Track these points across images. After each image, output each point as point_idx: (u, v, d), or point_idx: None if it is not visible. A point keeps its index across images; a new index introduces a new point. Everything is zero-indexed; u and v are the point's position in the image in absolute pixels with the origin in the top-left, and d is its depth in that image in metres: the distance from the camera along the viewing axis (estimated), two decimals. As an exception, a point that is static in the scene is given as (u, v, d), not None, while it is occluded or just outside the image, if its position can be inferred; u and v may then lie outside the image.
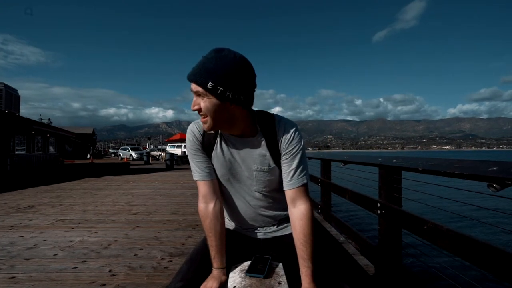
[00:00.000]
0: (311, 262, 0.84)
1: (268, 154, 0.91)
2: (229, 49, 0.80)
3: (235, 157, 0.92)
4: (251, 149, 0.91)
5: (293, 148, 0.89)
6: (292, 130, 0.90)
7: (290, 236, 0.91)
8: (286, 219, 1.00)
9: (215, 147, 0.93)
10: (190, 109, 0.95)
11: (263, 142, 0.90)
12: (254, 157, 0.91)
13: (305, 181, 0.90)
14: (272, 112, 0.95)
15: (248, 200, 0.96)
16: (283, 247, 0.98)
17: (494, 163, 1.06)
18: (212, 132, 0.91)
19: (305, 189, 0.90)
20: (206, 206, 0.92)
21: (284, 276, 0.87)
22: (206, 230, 0.91)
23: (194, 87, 0.80)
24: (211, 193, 0.93)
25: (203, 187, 0.93)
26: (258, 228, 1.01)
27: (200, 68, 0.79)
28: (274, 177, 0.93)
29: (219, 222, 0.92)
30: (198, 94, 0.80)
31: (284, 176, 0.91)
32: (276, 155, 0.91)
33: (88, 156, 24.31)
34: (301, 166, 0.90)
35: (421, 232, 1.44)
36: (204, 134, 0.94)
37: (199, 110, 0.82)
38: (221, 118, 0.83)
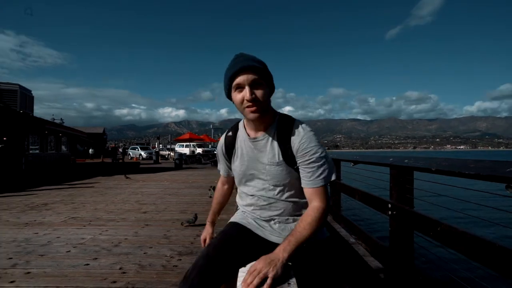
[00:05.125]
0: (296, 243, 0.86)
1: (278, 149, 0.98)
2: None
3: (250, 155, 1.03)
4: (264, 146, 1.00)
5: (309, 153, 0.93)
6: (308, 136, 0.95)
7: None
8: None
9: (234, 149, 1.09)
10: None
11: (276, 140, 0.98)
12: (266, 152, 1.00)
13: (322, 183, 0.94)
14: (294, 117, 1.03)
15: (265, 194, 1.03)
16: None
17: (513, 163, 1.02)
18: (231, 135, 1.10)
19: (322, 190, 0.94)
20: (222, 186, 1.31)
21: (294, 276, 0.86)
22: (215, 197, 1.33)
23: (249, 74, 0.89)
24: (226, 182, 1.29)
25: (222, 178, 1.28)
26: (273, 227, 1.03)
27: (251, 58, 0.91)
28: (285, 171, 0.98)
29: (225, 196, 1.32)
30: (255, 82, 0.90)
31: (302, 175, 0.96)
32: (286, 153, 0.96)
33: (91, 151, 24.49)
34: (321, 169, 0.94)
35: (435, 234, 1.40)
36: (226, 142, 1.13)
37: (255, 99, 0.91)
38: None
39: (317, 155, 0.93)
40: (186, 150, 22.66)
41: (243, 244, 0.97)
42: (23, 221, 3.45)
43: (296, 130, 0.97)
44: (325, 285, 0.86)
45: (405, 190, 1.82)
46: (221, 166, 1.23)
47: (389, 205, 1.89)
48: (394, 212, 1.84)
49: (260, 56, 0.96)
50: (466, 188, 1.40)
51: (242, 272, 0.89)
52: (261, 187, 1.03)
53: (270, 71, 0.96)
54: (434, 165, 1.43)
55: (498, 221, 1.40)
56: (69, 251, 2.40)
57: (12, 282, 1.82)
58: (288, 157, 0.96)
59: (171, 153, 25.45)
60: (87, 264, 2.11)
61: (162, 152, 26.69)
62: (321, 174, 0.93)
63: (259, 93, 0.90)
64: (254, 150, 1.02)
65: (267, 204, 1.03)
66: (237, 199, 1.19)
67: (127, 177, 8.65)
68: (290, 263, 0.94)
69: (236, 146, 1.08)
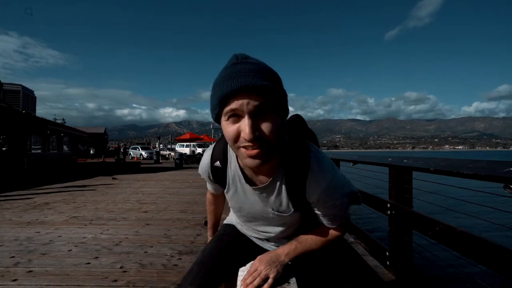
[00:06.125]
0: (301, 252, 0.83)
1: (287, 200, 0.79)
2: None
3: (250, 198, 0.83)
4: (268, 196, 0.80)
5: (333, 204, 0.77)
6: (330, 185, 0.74)
7: None
8: None
9: (226, 183, 0.85)
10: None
11: (285, 190, 0.77)
12: (271, 201, 0.80)
13: (344, 221, 0.83)
14: (309, 146, 0.77)
15: (265, 230, 0.93)
16: None
17: (511, 163, 1.03)
18: (219, 165, 0.84)
19: (344, 225, 0.85)
20: (213, 196, 1.10)
21: (294, 275, 0.87)
22: (208, 210, 1.16)
23: (252, 99, 0.59)
24: (216, 195, 1.09)
25: (211, 192, 1.09)
26: (270, 242, 0.99)
27: (256, 70, 0.60)
28: (295, 217, 0.85)
29: (219, 204, 1.14)
30: (259, 110, 0.60)
31: (321, 217, 0.82)
32: (299, 203, 0.79)
33: (92, 151, 24.74)
34: (346, 211, 0.82)
35: (433, 234, 1.41)
36: (212, 172, 0.87)
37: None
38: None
39: (342, 206, 0.78)
40: (186, 150, 22.68)
41: (239, 245, 0.96)
42: (25, 220, 3.48)
43: (313, 178, 0.73)
44: (324, 284, 0.87)
45: (404, 190, 1.83)
46: (209, 186, 1.00)
47: (388, 205, 1.90)
48: (393, 212, 1.85)
49: (259, 57, 0.73)
50: (464, 188, 1.41)
51: (242, 272, 0.90)
52: (261, 223, 0.90)
53: (284, 89, 0.65)
54: (433, 165, 1.44)
55: (495, 221, 1.40)
56: (71, 250, 2.42)
57: (14, 280, 1.84)
58: (301, 206, 0.80)
59: (172, 153, 25.48)
60: (88, 263, 2.12)
61: (162, 152, 26.75)
62: (346, 215, 0.82)
63: (266, 127, 0.60)
64: (255, 195, 0.81)
65: (265, 237, 0.95)
66: (231, 213, 1.08)
67: (113, 178, 8.41)
68: (289, 262, 0.95)
69: (228, 180, 0.84)
